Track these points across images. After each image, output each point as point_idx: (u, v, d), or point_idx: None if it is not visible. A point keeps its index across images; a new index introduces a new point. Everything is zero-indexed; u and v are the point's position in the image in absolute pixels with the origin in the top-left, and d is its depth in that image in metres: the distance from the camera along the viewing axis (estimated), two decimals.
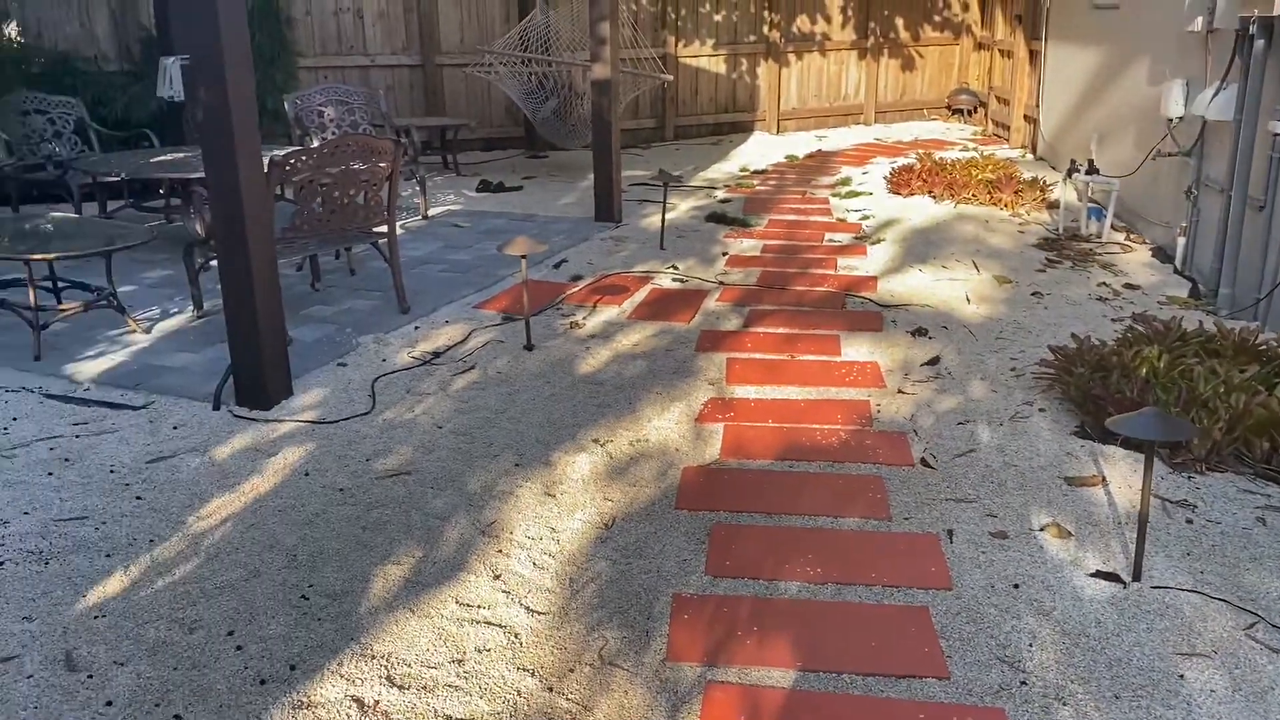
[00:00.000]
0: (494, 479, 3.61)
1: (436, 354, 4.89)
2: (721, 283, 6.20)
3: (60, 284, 5.29)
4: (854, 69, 13.40)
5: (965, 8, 13.52)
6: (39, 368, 4.64)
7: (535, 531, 3.25)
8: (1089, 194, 7.39)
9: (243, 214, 3.97)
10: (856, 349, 4.98)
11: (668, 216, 7.96)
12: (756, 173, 10.31)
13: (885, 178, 9.25)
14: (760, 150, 11.76)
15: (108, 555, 3.10)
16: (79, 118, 7.73)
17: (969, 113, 13.55)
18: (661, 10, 12.03)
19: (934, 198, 8.49)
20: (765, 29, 12.66)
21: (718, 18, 12.41)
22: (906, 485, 3.57)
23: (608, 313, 5.60)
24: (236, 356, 4.21)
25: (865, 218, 8.02)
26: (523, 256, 4.80)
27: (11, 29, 9.16)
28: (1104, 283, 6.14)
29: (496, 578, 2.98)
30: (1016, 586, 2.92)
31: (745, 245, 7.19)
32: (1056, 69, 10.02)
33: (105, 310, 5.16)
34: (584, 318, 5.50)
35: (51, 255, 4.73)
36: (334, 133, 8.00)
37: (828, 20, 13.06)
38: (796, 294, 5.94)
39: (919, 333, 5.21)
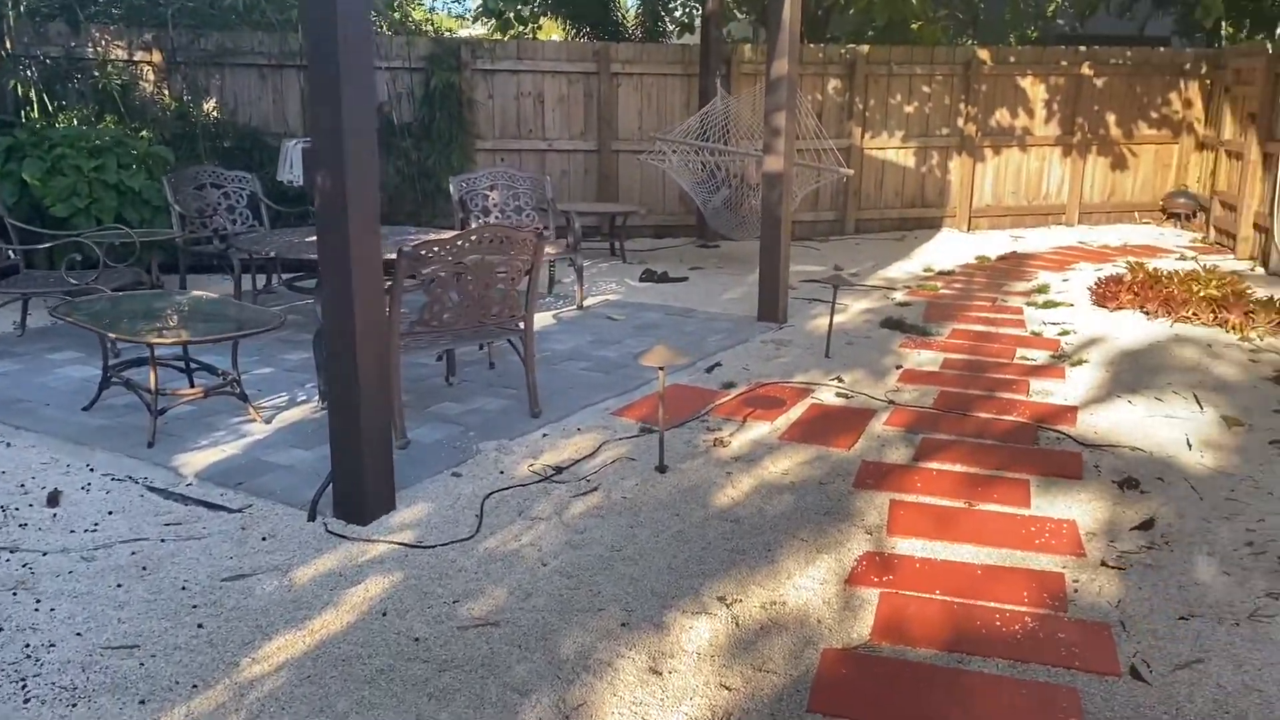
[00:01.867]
0: (593, 642, 3.04)
1: (559, 469, 4.40)
2: (892, 402, 5.49)
3: (193, 365, 5.14)
4: (1057, 166, 12.43)
5: (1188, 104, 12.36)
6: (150, 455, 4.43)
7: None
8: None
9: (353, 309, 3.62)
10: (1050, 501, 4.17)
11: (838, 319, 7.31)
12: (941, 274, 9.51)
13: (1089, 288, 8.30)
14: (947, 249, 10.95)
15: (141, 702, 2.70)
16: (252, 192, 7.82)
17: (1187, 218, 12.30)
18: (849, 100, 11.51)
19: (1147, 314, 7.49)
20: (960, 122, 11.92)
21: (909, 109, 11.78)
22: (1110, 704, 2.77)
23: (757, 430, 5.00)
24: (337, 464, 3.84)
25: (1064, 333, 7.12)
26: (660, 368, 4.28)
27: (210, 105, 9.54)
28: None
29: None
30: None
31: (923, 358, 6.45)
32: None
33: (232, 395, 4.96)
34: (730, 434, 4.91)
35: (168, 340, 4.56)
36: (497, 216, 7.82)
37: (1030, 114, 12.19)
38: (979, 423, 5.16)
39: (1128, 484, 4.35)
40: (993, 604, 3.31)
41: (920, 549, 3.73)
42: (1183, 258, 10.18)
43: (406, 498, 4.04)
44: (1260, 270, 9.56)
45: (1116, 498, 4.20)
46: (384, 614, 3.18)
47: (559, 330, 6.97)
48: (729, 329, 7.04)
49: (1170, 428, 5.10)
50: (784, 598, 3.34)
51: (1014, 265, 9.96)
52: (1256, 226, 10.09)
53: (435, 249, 4.42)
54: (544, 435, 4.82)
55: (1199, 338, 6.87)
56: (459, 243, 4.47)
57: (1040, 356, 6.50)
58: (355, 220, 3.57)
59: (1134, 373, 6.05)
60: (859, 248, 11.00)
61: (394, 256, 4.34)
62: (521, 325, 4.96)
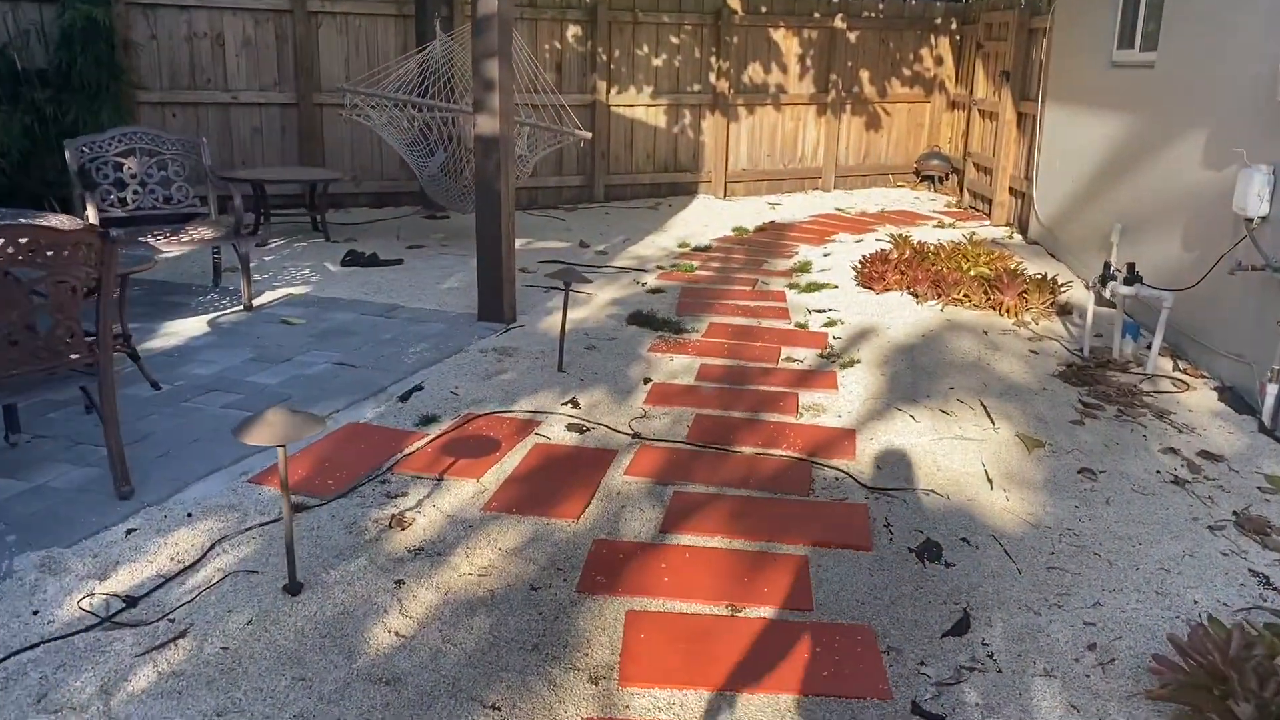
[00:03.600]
0: None
1: (133, 599, 2.89)
2: (637, 435, 4.30)
3: None
4: (812, 126, 11.70)
5: (939, 61, 11.94)
6: None
7: None
8: (1124, 306, 5.66)
9: None
10: (836, 593, 3.08)
11: (580, 314, 6.12)
12: (698, 250, 8.46)
13: (854, 266, 7.45)
14: (704, 219, 9.94)
15: None
16: None
17: (940, 180, 11.93)
18: (591, 51, 10.23)
19: (916, 296, 6.70)
20: (712, 78, 10.92)
21: (658, 62, 10.65)
22: None
23: (457, 493, 3.67)
24: None
25: (831, 323, 6.19)
26: (280, 448, 2.83)
27: None
28: (1170, 447, 4.36)
29: None
30: None
31: (676, 365, 5.30)
32: (1057, 137, 8.37)
33: None
34: (416, 505, 3.56)
35: None
36: (136, 192, 6.03)
37: (784, 70, 11.37)
38: (743, 463, 4.05)
39: (928, 554, 3.34)
40: None
41: (666, 707, 2.53)
42: (941, 225, 9.66)
43: None
44: (1019, 238, 9.12)
45: (918, 579, 3.18)
46: None
47: (210, 343, 5.32)
48: (441, 333, 5.63)
49: (964, 455, 4.19)
50: None
51: (774, 238, 9.06)
52: (1012, 191, 9.67)
53: None
54: (129, 532, 3.27)
55: (973, 324, 6.12)
56: None
57: (808, 357, 5.51)
58: None
59: (912, 375, 5.16)
60: (609, 217, 9.81)
61: None
62: (92, 364, 3.36)
